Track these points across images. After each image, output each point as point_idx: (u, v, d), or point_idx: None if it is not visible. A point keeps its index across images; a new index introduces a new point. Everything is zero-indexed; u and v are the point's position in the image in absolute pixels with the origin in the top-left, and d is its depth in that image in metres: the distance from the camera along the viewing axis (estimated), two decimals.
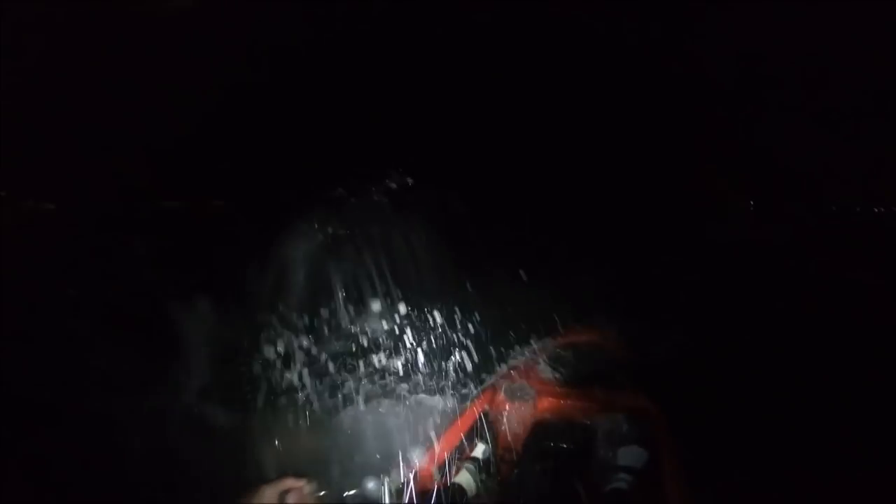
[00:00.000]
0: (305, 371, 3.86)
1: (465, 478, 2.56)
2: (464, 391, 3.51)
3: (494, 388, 3.43)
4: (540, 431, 3.02)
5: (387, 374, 3.93)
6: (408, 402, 3.44)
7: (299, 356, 3.94)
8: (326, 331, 4.47)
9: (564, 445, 2.85)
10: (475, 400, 3.23)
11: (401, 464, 2.45)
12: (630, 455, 2.66)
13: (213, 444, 3.76)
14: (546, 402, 3.31)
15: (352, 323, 4.67)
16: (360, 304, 4.70)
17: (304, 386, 3.82)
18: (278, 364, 3.90)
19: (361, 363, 4.00)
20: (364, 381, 3.81)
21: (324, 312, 4.64)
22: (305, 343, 3.99)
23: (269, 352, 3.92)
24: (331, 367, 3.99)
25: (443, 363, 3.92)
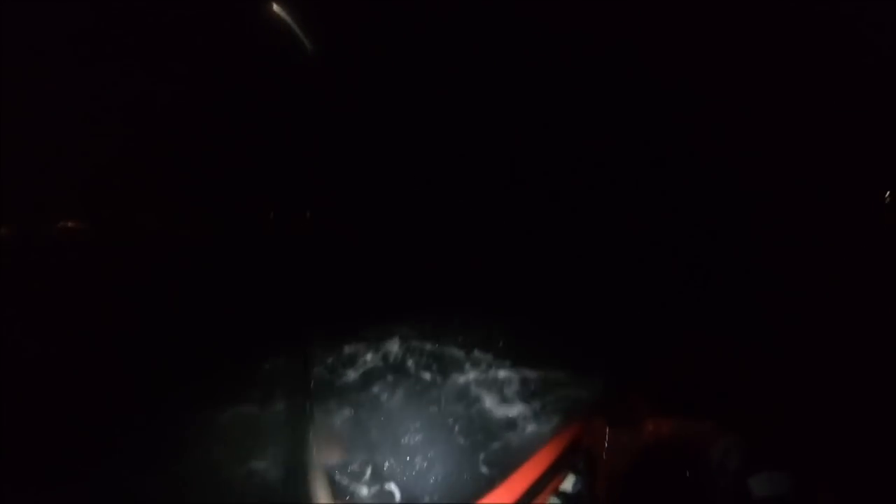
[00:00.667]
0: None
1: None
2: (557, 413, 3.13)
3: (593, 412, 2.99)
4: (646, 462, 2.52)
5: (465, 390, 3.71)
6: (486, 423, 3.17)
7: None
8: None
9: (677, 477, 2.33)
10: (569, 424, 2.83)
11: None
12: (765, 484, 2.08)
13: None
14: (655, 425, 2.79)
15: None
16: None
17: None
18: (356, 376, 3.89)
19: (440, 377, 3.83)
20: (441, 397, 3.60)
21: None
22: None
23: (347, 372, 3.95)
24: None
25: (533, 378, 3.63)
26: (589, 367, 4.29)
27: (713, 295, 8.18)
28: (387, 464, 3.30)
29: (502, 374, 4.67)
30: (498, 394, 4.29)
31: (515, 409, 3.90)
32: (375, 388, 4.54)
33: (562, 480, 2.43)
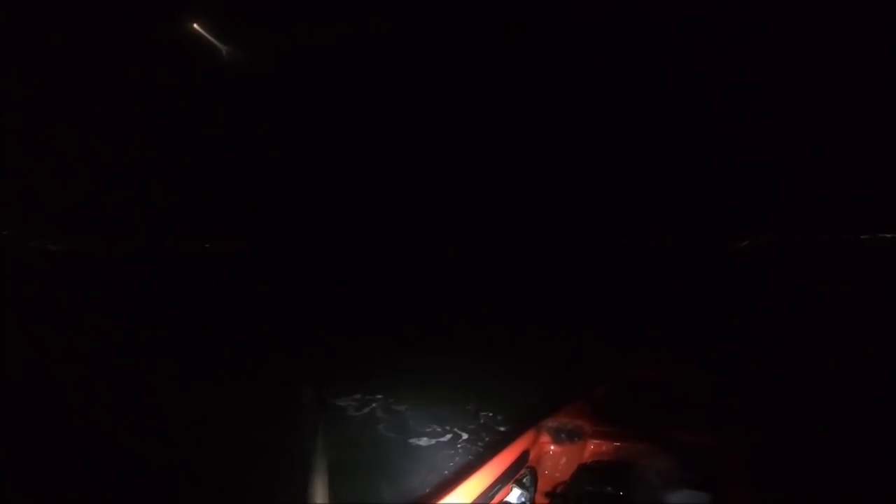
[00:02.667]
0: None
1: None
2: (502, 429, 3.28)
3: (539, 428, 3.14)
4: (584, 475, 2.68)
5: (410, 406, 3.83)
6: (431, 438, 3.29)
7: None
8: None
9: (610, 490, 2.51)
10: (515, 439, 2.97)
11: None
12: (685, 498, 2.28)
13: None
14: (595, 445, 2.97)
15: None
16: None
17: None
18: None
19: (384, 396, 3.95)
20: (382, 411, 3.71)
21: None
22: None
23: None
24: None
25: (476, 398, 3.79)
26: (536, 385, 4.50)
27: (659, 318, 8.65)
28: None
29: (454, 387, 4.82)
30: (448, 406, 4.45)
31: (465, 421, 4.06)
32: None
33: (507, 492, 2.55)
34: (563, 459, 2.97)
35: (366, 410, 4.37)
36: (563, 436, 3.04)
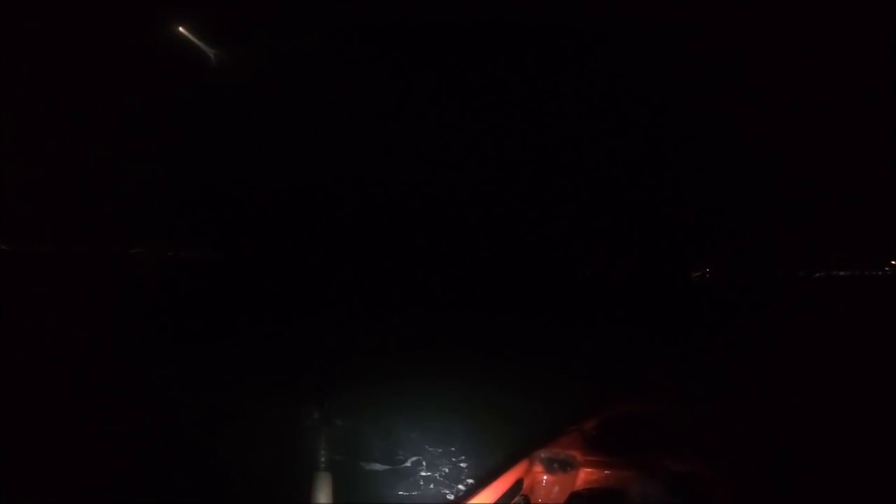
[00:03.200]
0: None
1: None
2: (495, 460, 3.35)
3: (532, 458, 3.22)
4: (577, 503, 2.77)
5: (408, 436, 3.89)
6: (428, 470, 3.35)
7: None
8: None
9: None
10: (509, 467, 3.04)
11: None
12: None
13: None
14: (586, 473, 3.06)
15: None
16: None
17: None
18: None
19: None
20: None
21: None
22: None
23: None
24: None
25: (471, 429, 3.87)
26: (529, 414, 4.60)
27: (653, 349, 8.81)
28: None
29: (447, 416, 4.90)
30: (441, 436, 4.51)
31: (460, 449, 4.13)
32: None
33: None
34: (556, 488, 3.04)
35: (357, 437, 4.43)
36: (555, 465, 3.12)
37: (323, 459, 1.95)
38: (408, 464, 3.94)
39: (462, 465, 3.82)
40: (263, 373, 7.09)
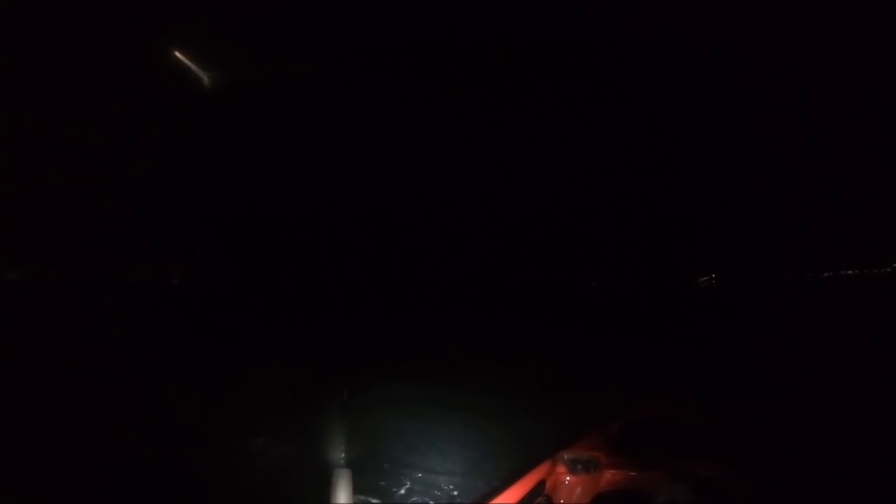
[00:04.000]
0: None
1: None
2: (518, 461, 3.31)
3: (555, 459, 3.17)
4: None
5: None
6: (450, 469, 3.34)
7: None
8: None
9: None
10: (532, 468, 3.00)
11: None
12: None
13: None
14: (611, 475, 3.00)
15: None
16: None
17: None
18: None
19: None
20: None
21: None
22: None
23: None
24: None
25: (495, 430, 3.85)
26: (554, 415, 4.55)
27: (676, 353, 8.66)
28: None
29: (469, 416, 4.90)
30: (464, 434, 4.52)
31: (480, 451, 4.12)
32: None
33: None
34: (579, 489, 2.99)
35: (379, 438, 4.46)
36: (578, 466, 3.07)
37: (343, 455, 1.94)
38: (431, 463, 3.94)
39: (485, 465, 3.80)
40: (277, 373, 7.20)
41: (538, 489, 2.86)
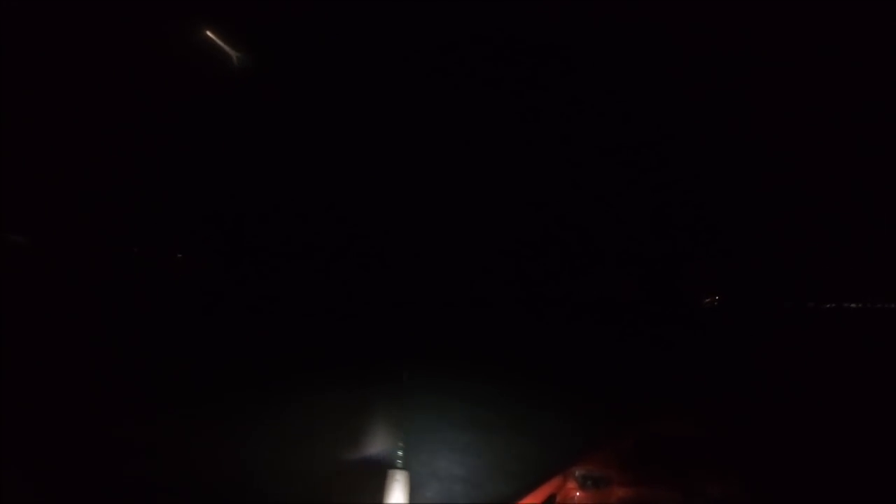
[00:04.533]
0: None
1: None
2: (530, 475, 3.34)
3: (566, 474, 3.20)
4: None
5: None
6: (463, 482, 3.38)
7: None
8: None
9: None
10: (542, 483, 3.03)
11: None
12: None
13: None
14: (622, 492, 3.01)
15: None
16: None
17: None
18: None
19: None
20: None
21: None
22: None
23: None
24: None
25: (507, 445, 3.88)
26: (564, 430, 4.57)
27: (687, 366, 8.60)
28: None
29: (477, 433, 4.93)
30: (478, 445, 4.55)
31: (493, 462, 4.15)
32: None
33: None
34: None
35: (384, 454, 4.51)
36: (589, 482, 3.09)
37: (400, 454, 1.95)
38: (447, 470, 3.98)
39: (497, 477, 3.83)
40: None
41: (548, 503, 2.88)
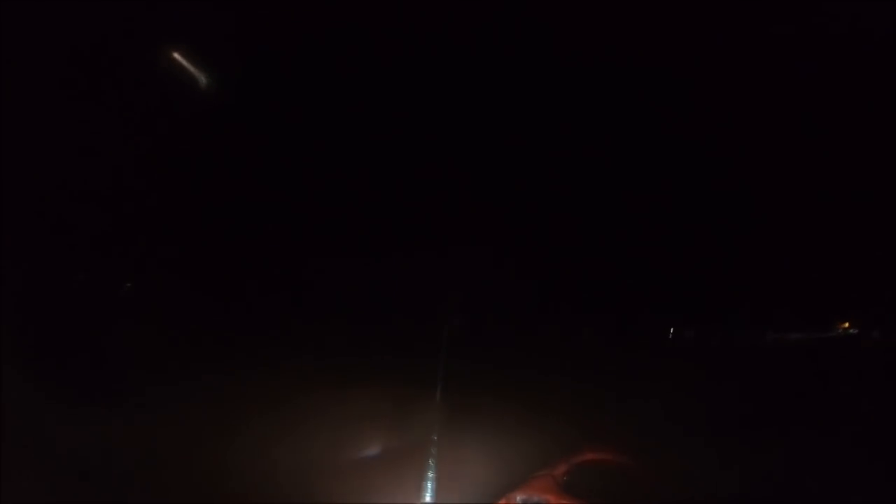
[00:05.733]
0: None
1: None
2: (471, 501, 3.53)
3: (508, 499, 3.40)
4: None
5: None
6: None
7: None
8: None
9: None
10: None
11: None
12: None
13: None
14: None
15: None
16: None
17: None
18: None
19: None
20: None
21: None
22: None
23: None
24: None
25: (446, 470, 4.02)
26: (506, 456, 4.72)
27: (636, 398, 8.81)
28: None
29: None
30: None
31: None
32: None
33: None
34: None
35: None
36: None
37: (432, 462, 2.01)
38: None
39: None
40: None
41: None
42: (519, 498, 3.40)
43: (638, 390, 8.37)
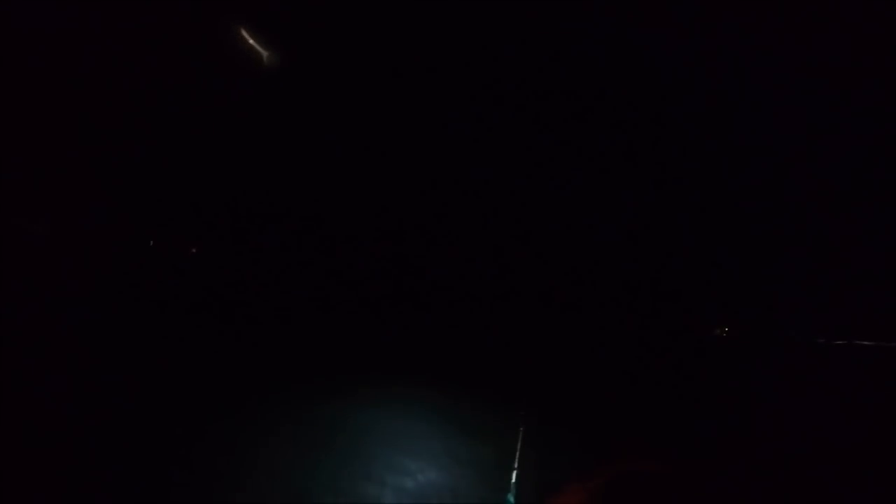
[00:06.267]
0: None
1: None
2: None
3: None
4: None
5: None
6: None
7: None
8: None
9: None
10: None
11: None
12: None
13: None
14: None
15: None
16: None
17: None
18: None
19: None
20: None
21: None
22: None
23: None
24: None
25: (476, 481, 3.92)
26: (539, 468, 4.57)
27: (673, 408, 8.51)
28: None
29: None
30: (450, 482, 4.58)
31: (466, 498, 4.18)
32: None
33: None
34: None
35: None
36: None
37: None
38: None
39: None
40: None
41: None
42: None
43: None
